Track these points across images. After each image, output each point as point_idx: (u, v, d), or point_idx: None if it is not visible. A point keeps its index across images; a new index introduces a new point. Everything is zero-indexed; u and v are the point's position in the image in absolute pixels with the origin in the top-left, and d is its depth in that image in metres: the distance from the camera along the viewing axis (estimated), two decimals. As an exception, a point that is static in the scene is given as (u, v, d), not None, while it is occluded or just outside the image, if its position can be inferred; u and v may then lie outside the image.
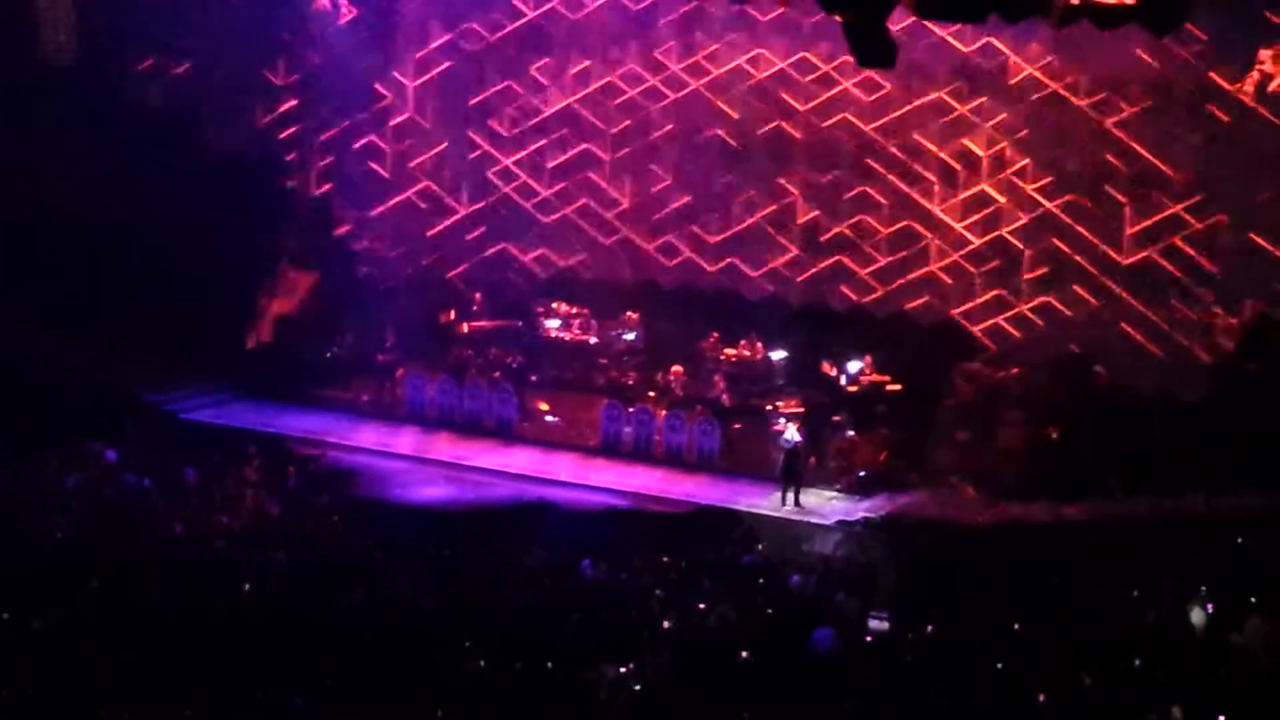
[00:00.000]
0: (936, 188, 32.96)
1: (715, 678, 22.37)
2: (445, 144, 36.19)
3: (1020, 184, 32.41)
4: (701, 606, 24.47)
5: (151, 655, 22.13)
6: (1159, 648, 22.96)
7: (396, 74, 36.01)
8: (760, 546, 27.32)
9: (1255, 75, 30.31)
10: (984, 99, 32.46)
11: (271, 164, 36.38)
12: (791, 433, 29.94)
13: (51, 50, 36.26)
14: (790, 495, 29.62)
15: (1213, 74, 30.76)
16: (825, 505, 29.61)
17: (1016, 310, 32.42)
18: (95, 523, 26.78)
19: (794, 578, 26.06)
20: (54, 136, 35.89)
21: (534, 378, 34.00)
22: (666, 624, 23.66)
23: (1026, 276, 32.48)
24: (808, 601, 25.23)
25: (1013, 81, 32.19)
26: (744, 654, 22.81)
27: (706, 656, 23.05)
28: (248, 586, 24.50)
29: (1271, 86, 30.23)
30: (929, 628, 23.58)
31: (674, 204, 34.77)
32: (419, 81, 35.86)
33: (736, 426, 31.82)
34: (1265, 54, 30.08)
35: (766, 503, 29.70)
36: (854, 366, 32.35)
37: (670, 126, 34.66)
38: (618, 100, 34.87)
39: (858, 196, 33.38)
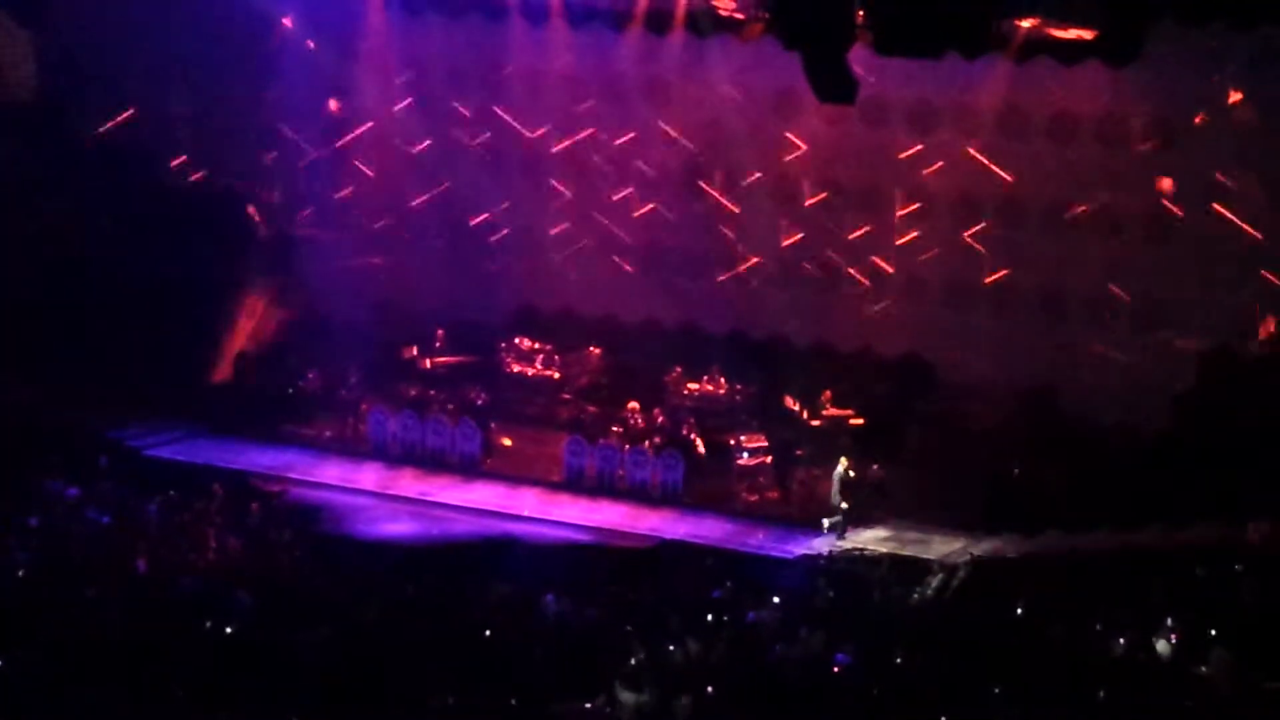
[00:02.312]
0: (897, 222, 33.12)
1: (680, 714, 22.34)
2: (406, 179, 36.19)
3: (981, 217, 32.56)
4: (666, 642, 24.41)
5: (114, 693, 22.00)
6: (1123, 680, 23.00)
7: (361, 108, 35.99)
8: (726, 582, 27.25)
9: (1215, 108, 30.59)
10: (944, 133, 32.61)
11: (234, 197, 36.31)
12: (842, 469, 29.85)
13: (11, 85, 36.19)
14: (842, 530, 29.62)
15: (1171, 106, 31.02)
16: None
17: (978, 344, 32.54)
18: (57, 561, 26.59)
19: (749, 615, 25.98)
20: (12, 172, 35.77)
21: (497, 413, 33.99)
22: (632, 660, 23.58)
23: (988, 309, 32.63)
24: (772, 636, 25.18)
25: (972, 116, 32.34)
26: (709, 689, 22.77)
27: (671, 692, 22.99)
28: (210, 623, 24.39)
29: (1232, 119, 30.50)
30: (895, 660, 23.58)
31: (637, 238, 34.83)
32: (383, 116, 35.84)
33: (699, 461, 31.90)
34: (1225, 86, 30.33)
35: (749, 538, 29.88)
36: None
37: (633, 161, 34.76)
38: (580, 135, 34.95)
39: (821, 230, 33.49)
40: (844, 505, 29.72)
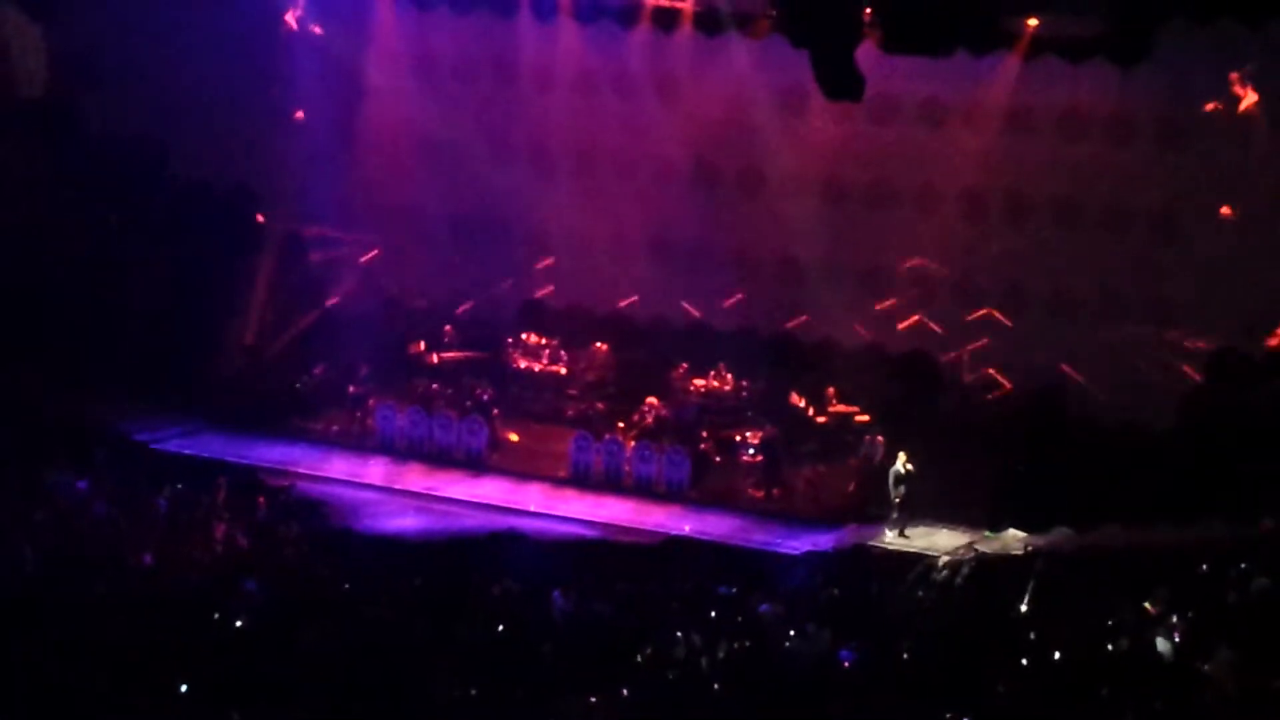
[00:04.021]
0: (905, 219, 33.11)
1: (686, 709, 22.38)
2: (415, 174, 36.22)
3: (989, 215, 32.56)
4: (672, 637, 24.45)
5: (122, 688, 22.05)
6: (1127, 676, 23.02)
7: (370, 103, 36.00)
8: (732, 578, 27.30)
9: (1223, 107, 30.50)
10: (951, 131, 32.59)
11: (242, 192, 36.34)
12: (901, 463, 29.75)
13: (20, 81, 36.23)
14: (900, 526, 29.61)
15: (1180, 104, 30.98)
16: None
17: (986, 341, 32.55)
18: (65, 554, 26.64)
19: (762, 607, 26.05)
20: (22, 168, 35.83)
21: (504, 408, 34.03)
22: (638, 655, 23.62)
23: (995, 308, 32.63)
24: (778, 632, 25.22)
25: (980, 114, 32.32)
26: (715, 685, 22.81)
27: (678, 687, 23.04)
28: (218, 617, 24.43)
29: (1242, 107, 30.42)
30: (901, 656, 23.62)
31: (644, 235, 34.86)
32: (392, 111, 35.87)
33: (705, 457, 31.93)
34: (1235, 76, 30.28)
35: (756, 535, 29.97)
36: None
37: (639, 157, 34.79)
38: (588, 131, 34.97)
39: (828, 228, 33.49)
40: (899, 500, 29.67)
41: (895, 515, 29.66)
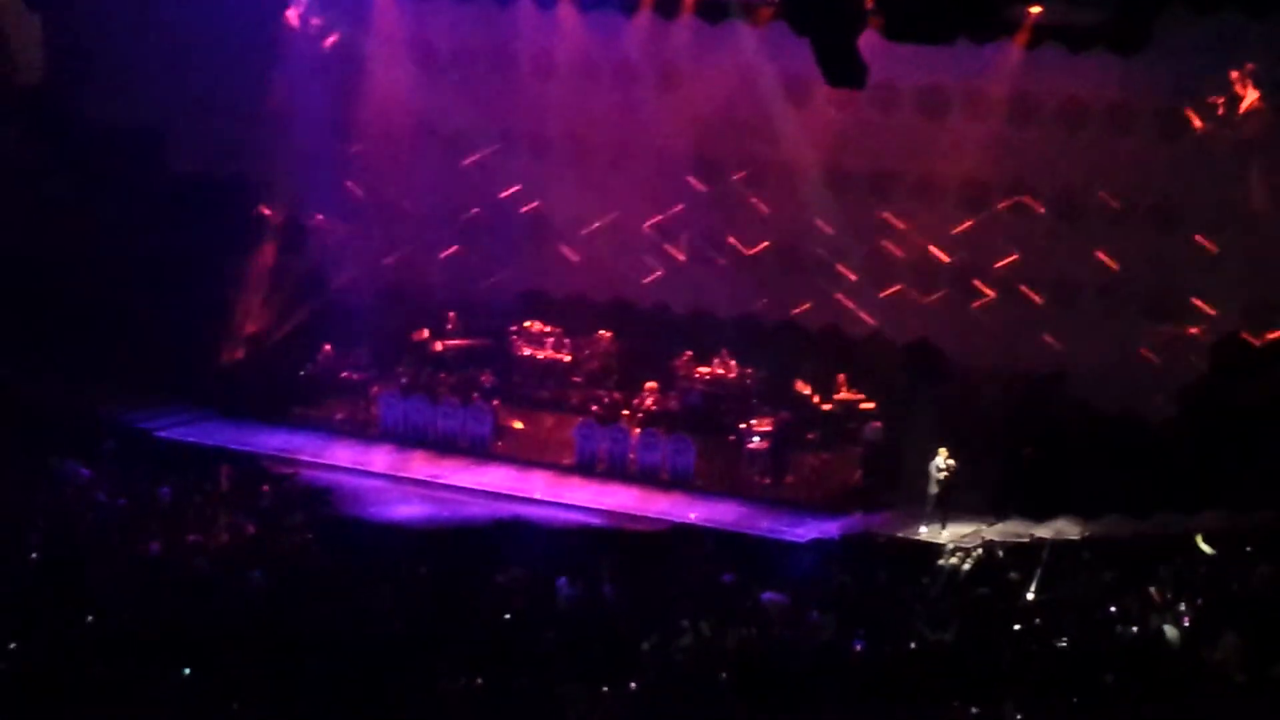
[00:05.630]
0: (908, 206, 33.11)
1: (692, 698, 22.42)
2: (416, 164, 36.20)
3: (991, 204, 32.57)
4: (677, 625, 24.49)
5: (126, 674, 22.09)
6: (1133, 663, 23.09)
7: (370, 91, 35.98)
8: (737, 566, 27.33)
9: (1225, 97, 30.48)
10: (953, 120, 32.59)
11: (242, 180, 36.29)
12: (942, 460, 29.48)
13: (19, 69, 36.19)
14: (941, 521, 29.48)
15: (1181, 94, 30.98)
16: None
17: (988, 329, 32.56)
18: (69, 543, 26.66)
19: (766, 595, 26.09)
20: (20, 156, 35.80)
21: (508, 396, 34.05)
22: (644, 644, 23.64)
23: (998, 296, 32.65)
24: (782, 620, 25.27)
25: (982, 102, 32.32)
26: (721, 674, 22.85)
27: (682, 676, 23.08)
28: (222, 606, 24.46)
29: (1243, 108, 30.43)
30: (908, 645, 23.69)
31: (646, 222, 34.86)
32: (392, 99, 35.83)
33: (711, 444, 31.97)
34: (1235, 75, 30.26)
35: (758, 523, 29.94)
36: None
37: (641, 145, 34.75)
38: (590, 119, 34.94)
39: (831, 215, 33.49)
40: (938, 495, 29.51)
41: (930, 508, 29.50)
